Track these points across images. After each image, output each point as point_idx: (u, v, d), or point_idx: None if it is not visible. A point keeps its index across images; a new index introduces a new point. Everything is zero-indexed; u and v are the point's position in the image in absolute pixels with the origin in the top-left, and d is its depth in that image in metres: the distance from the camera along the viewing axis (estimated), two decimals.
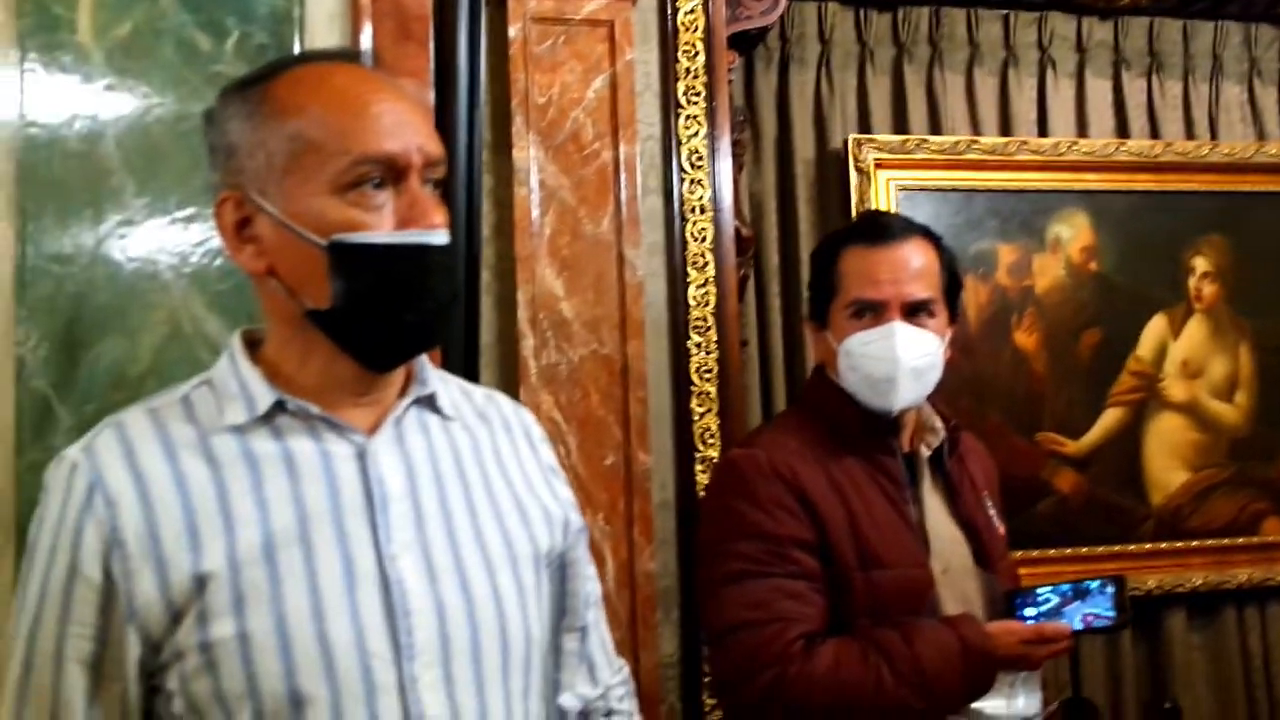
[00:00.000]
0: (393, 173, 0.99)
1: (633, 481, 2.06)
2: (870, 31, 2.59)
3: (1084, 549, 2.53)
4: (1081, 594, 1.57)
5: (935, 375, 1.59)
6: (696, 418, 2.14)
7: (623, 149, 2.11)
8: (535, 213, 2.06)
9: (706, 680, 2.09)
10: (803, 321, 1.77)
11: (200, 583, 0.93)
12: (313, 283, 0.98)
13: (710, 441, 2.14)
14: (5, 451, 1.33)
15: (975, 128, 2.61)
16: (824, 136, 2.55)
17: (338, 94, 1.01)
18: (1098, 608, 1.55)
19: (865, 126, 2.56)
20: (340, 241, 0.97)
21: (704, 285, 2.17)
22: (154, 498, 0.95)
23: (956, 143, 2.53)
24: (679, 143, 2.19)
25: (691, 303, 2.16)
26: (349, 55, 1.14)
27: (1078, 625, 1.53)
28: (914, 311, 1.56)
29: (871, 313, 1.57)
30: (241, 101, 1.02)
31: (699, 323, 2.16)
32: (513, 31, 2.05)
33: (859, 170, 2.47)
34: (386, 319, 1.01)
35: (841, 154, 2.50)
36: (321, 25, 1.48)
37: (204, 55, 1.42)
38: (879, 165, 2.47)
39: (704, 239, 2.18)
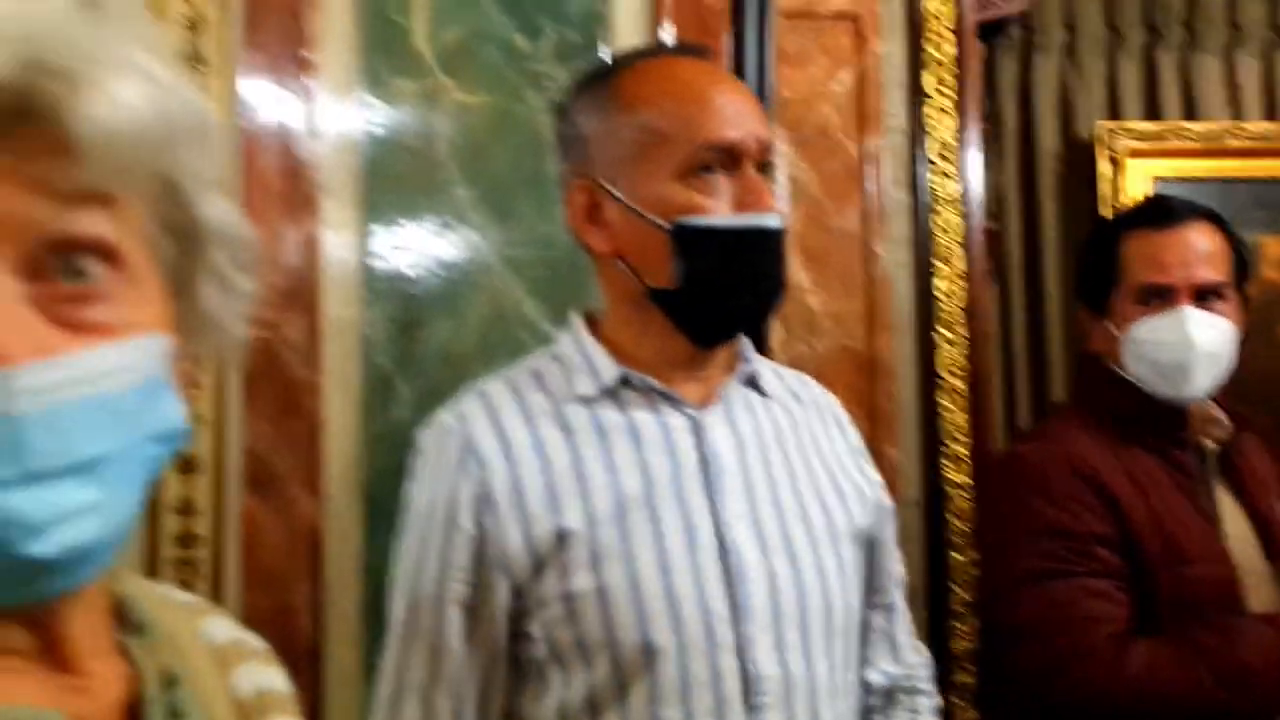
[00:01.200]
0: (731, 159, 1.04)
1: (880, 475, 2.07)
2: (1120, 15, 2.50)
3: None
4: None
5: (1227, 363, 1.54)
6: (945, 413, 2.12)
7: (869, 142, 2.12)
8: (785, 206, 2.09)
9: (954, 680, 2.07)
10: (1078, 311, 1.71)
11: (561, 538, 1.01)
12: (656, 264, 1.05)
13: (959, 437, 2.12)
14: (354, 420, 1.48)
15: (1237, 113, 2.49)
16: (1069, 126, 2.48)
17: (682, 85, 1.07)
18: None
19: (1115, 114, 2.47)
20: (684, 224, 1.03)
21: (952, 279, 2.15)
22: (517, 459, 1.04)
23: (1217, 129, 2.41)
24: (926, 135, 2.18)
25: (939, 296, 2.14)
26: (688, 49, 1.21)
27: None
28: (1204, 296, 1.51)
29: (1159, 298, 1.52)
30: (591, 95, 1.10)
31: (946, 317, 2.14)
32: None
33: (1110, 159, 2.39)
34: (725, 299, 1.07)
35: (1089, 143, 2.42)
36: (626, 22, 1.57)
37: (523, 55, 1.53)
38: (1132, 154, 2.38)
39: (952, 232, 2.16)
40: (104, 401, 0.49)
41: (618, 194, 1.06)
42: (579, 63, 1.55)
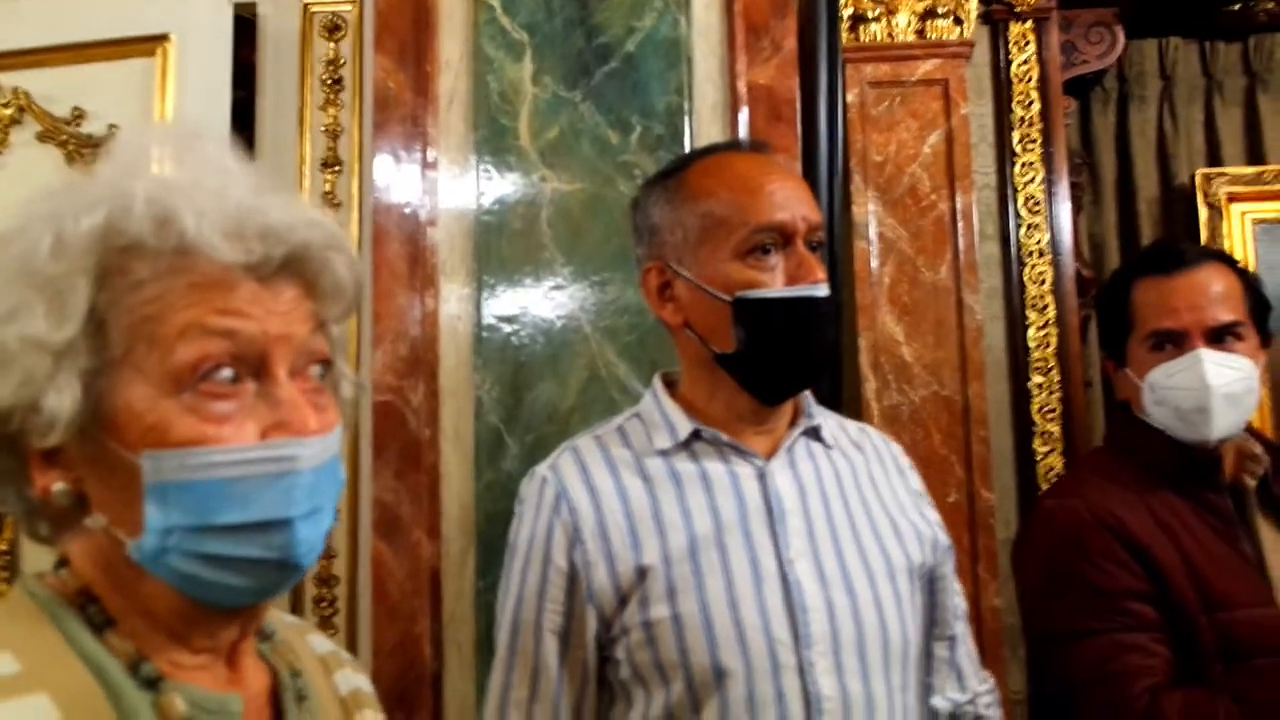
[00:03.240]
0: (782, 238, 1.18)
1: (976, 518, 2.12)
2: (1218, 63, 2.52)
3: None
4: None
5: (1253, 400, 1.49)
6: (1040, 457, 2.17)
7: (959, 199, 2.19)
8: (874, 263, 2.19)
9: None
10: (1103, 361, 1.67)
11: (641, 574, 1.14)
12: (720, 332, 1.19)
13: (1053, 480, 2.16)
14: (468, 473, 1.66)
15: None
16: (1167, 173, 2.51)
17: (738, 177, 1.22)
18: None
19: (1214, 161, 2.49)
20: (742, 297, 1.17)
21: (1044, 327, 2.20)
22: (604, 506, 1.18)
23: None
24: (1015, 190, 2.25)
25: (1032, 344, 2.20)
26: (744, 145, 1.36)
27: None
28: (1219, 337, 1.48)
29: (1172, 343, 1.50)
30: (662, 190, 1.26)
31: (1040, 363, 2.19)
32: (851, 96, 2.21)
33: (1209, 205, 2.40)
34: (780, 360, 1.19)
35: (1189, 190, 2.44)
36: (706, 115, 1.73)
37: (613, 147, 1.71)
38: (1231, 199, 2.39)
39: (1043, 282, 2.22)
40: (335, 461, 0.73)
41: (685, 274, 1.21)
42: (664, 153, 1.73)
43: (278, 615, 0.87)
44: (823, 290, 1.18)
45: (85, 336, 0.67)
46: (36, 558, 1.90)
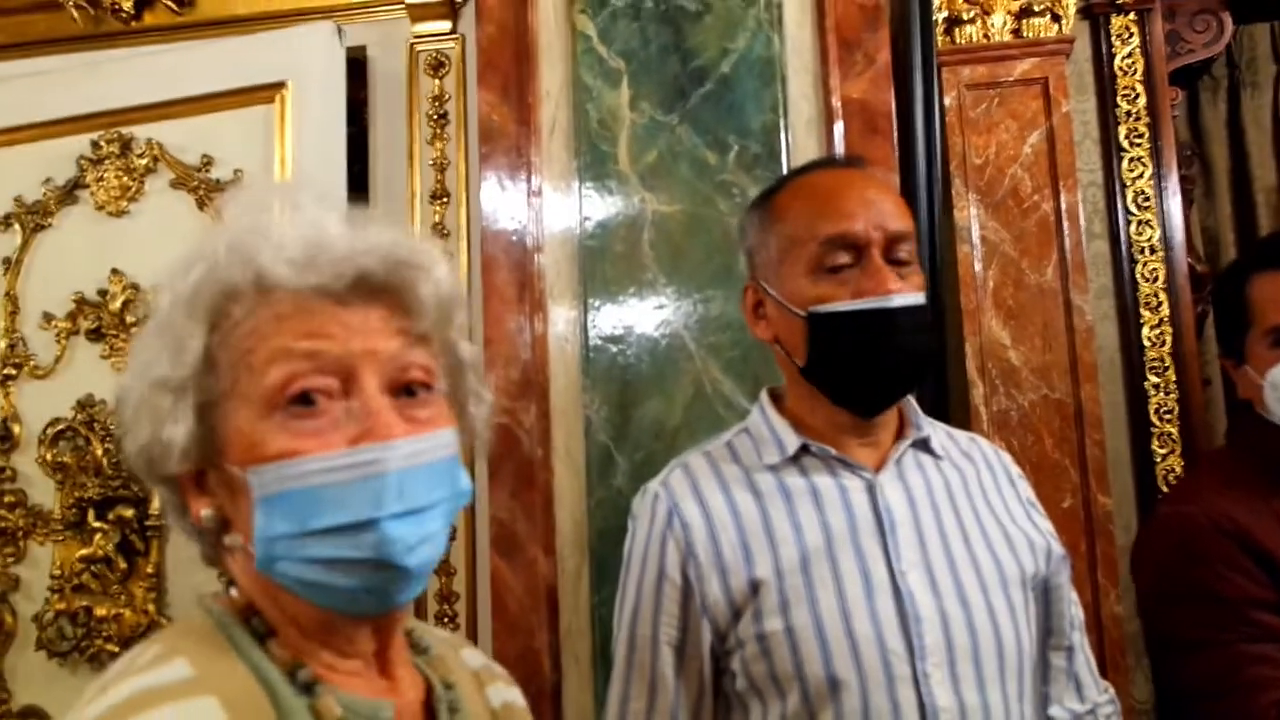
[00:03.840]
0: (855, 250, 1.18)
1: (1094, 524, 2.07)
2: None
3: None
4: None
5: None
6: (1159, 459, 2.11)
7: (1064, 198, 2.15)
8: (978, 267, 2.17)
9: None
10: (1221, 360, 1.61)
11: (754, 587, 1.16)
12: (799, 346, 1.21)
13: (1173, 483, 2.10)
14: (579, 490, 1.71)
15: None
16: None
17: (813, 193, 1.24)
18: None
19: None
20: (814, 312, 1.19)
21: (1158, 325, 2.14)
22: (715, 521, 1.21)
23: None
24: (1123, 186, 2.20)
25: (1146, 344, 2.14)
26: (836, 161, 1.38)
27: None
28: None
29: None
30: (757, 212, 1.30)
31: (1155, 363, 2.14)
32: (948, 100, 2.20)
33: None
34: (855, 373, 1.20)
35: None
36: (802, 131, 1.75)
37: (711, 168, 1.75)
38: None
39: (1156, 279, 2.16)
40: (437, 466, 0.77)
41: (772, 292, 1.24)
42: (761, 171, 1.75)
43: (434, 631, 0.93)
44: (897, 300, 1.16)
45: (200, 375, 0.76)
46: (181, 580, 2.04)
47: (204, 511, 0.78)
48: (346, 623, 0.78)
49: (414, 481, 0.74)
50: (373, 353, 0.76)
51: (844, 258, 1.18)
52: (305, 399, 0.74)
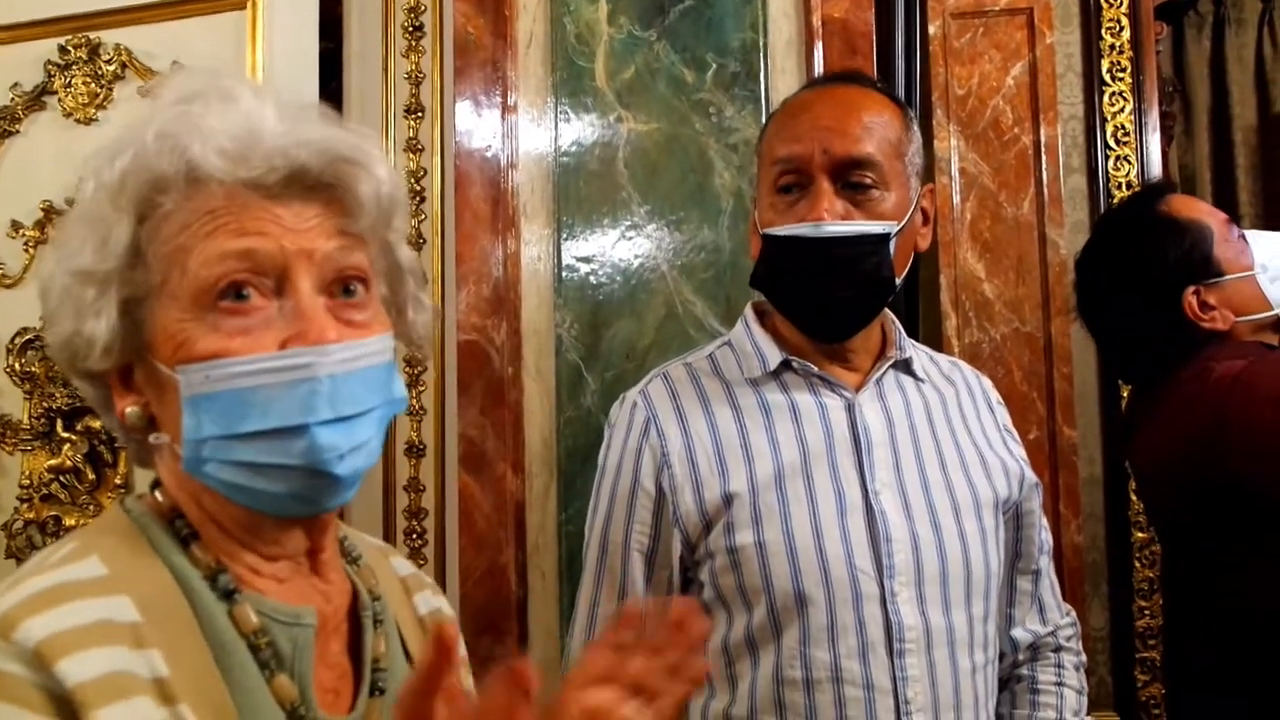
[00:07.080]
0: (800, 173, 1.17)
1: (1058, 456, 2.10)
2: None
3: None
4: None
5: None
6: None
7: (1044, 131, 2.14)
8: (956, 199, 2.16)
9: (1138, 655, 2.09)
10: None
11: (728, 500, 1.18)
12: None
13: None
14: (549, 409, 1.72)
15: None
16: (1266, 101, 2.41)
17: (784, 112, 1.25)
18: None
19: None
20: (764, 234, 1.20)
21: None
22: (692, 433, 1.21)
23: None
24: (1104, 120, 2.18)
25: None
26: (833, 78, 1.36)
27: None
28: None
29: None
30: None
31: None
32: (932, 29, 2.17)
33: None
34: (790, 296, 1.21)
35: None
36: (781, 51, 1.72)
37: (689, 86, 1.73)
38: None
39: None
40: (371, 372, 0.75)
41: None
42: (739, 90, 1.74)
43: (364, 539, 0.93)
44: (829, 229, 1.15)
45: (126, 268, 0.73)
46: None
47: (129, 409, 0.76)
48: (274, 525, 0.77)
49: (347, 388, 0.72)
50: (308, 252, 0.74)
51: (791, 180, 1.18)
52: (237, 297, 0.72)
